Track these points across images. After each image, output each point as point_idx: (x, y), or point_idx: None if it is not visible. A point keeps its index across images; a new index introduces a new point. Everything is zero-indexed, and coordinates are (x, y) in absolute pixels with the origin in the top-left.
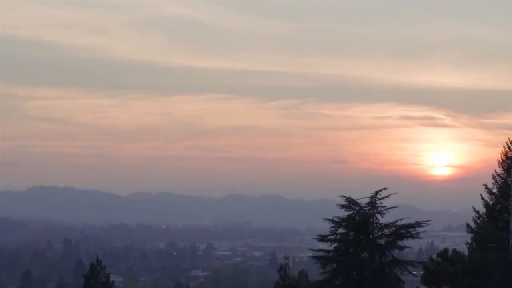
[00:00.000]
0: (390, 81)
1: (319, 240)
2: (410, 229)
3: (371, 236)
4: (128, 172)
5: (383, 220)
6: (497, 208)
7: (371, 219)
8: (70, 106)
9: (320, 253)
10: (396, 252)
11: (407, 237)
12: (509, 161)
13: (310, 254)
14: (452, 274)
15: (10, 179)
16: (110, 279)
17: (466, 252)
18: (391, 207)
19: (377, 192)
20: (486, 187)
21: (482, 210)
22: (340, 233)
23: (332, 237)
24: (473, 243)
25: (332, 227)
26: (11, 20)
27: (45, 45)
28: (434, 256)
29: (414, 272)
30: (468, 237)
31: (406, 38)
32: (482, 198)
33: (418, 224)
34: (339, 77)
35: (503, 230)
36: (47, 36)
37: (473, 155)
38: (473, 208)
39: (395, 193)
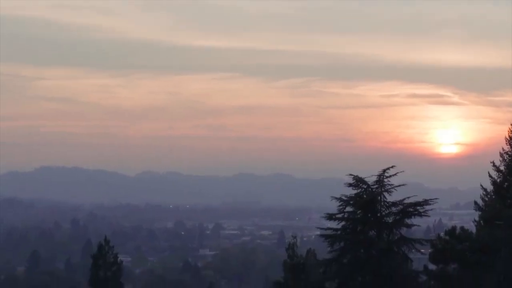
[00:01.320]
0: (397, 59)
1: (327, 219)
2: (418, 207)
3: (378, 214)
4: (136, 152)
5: (390, 198)
6: (505, 185)
7: (379, 197)
8: (76, 86)
9: (328, 232)
10: (404, 230)
11: (414, 215)
12: None
13: (318, 232)
14: (460, 252)
15: (17, 160)
16: (118, 258)
17: (474, 230)
18: (399, 185)
19: (384, 170)
20: (494, 165)
21: (489, 187)
22: (348, 212)
23: (340, 215)
24: (481, 221)
25: (340, 206)
26: (18, 0)
27: (51, 25)
28: (442, 234)
29: (422, 250)
30: (476, 215)
31: (413, 16)
32: (490, 176)
33: (425, 202)
34: (346, 55)
35: (510, 208)
36: (53, 16)
37: (480, 132)
38: (481, 185)
39: (403, 171)
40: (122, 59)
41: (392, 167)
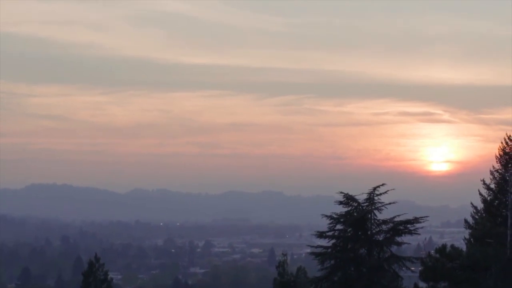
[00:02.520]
0: (388, 77)
1: (318, 237)
2: (408, 225)
3: (369, 232)
4: (127, 169)
5: (381, 216)
6: (495, 203)
7: (369, 215)
8: (68, 103)
9: (319, 250)
10: (394, 248)
11: (405, 233)
12: (507, 157)
13: (309, 250)
14: (450, 270)
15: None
16: (109, 276)
17: (464, 247)
18: (389, 203)
19: (375, 188)
20: (484, 183)
21: (480, 205)
22: (338, 229)
23: (330, 233)
24: (471, 239)
25: (330, 223)
26: (9, 17)
27: (43, 42)
28: (432, 252)
29: (413, 268)
30: (466, 233)
31: (404, 32)
32: (480, 194)
33: (416, 220)
34: (337, 72)
35: (501, 226)
36: (45, 33)
37: (471, 150)
38: (471, 203)
39: (393, 189)
40: (114, 76)
41: (382, 185)
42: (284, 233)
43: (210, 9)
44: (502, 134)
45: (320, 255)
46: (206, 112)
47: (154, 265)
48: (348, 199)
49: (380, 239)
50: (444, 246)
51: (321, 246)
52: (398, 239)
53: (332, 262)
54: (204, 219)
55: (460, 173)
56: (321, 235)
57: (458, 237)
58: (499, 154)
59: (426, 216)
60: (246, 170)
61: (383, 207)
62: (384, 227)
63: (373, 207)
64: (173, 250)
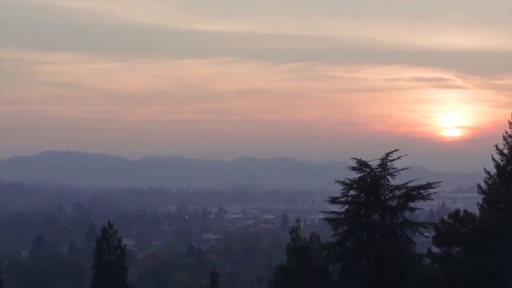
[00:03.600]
0: (401, 43)
1: (331, 202)
2: (421, 191)
3: (382, 198)
4: (139, 136)
5: (394, 181)
6: (508, 169)
7: (382, 181)
8: (79, 71)
9: (332, 215)
10: (407, 214)
11: (418, 198)
12: None
13: (322, 216)
14: (463, 235)
15: (21, 144)
16: (122, 242)
17: (477, 213)
18: (402, 169)
19: (388, 154)
20: (497, 148)
21: (493, 171)
22: (351, 195)
23: (343, 199)
24: (484, 204)
25: (343, 189)
26: None
27: (54, 10)
28: (445, 217)
29: (426, 234)
30: (479, 198)
31: None
32: (493, 159)
33: (429, 185)
34: (349, 39)
35: None
36: (56, 1)
37: (483, 116)
38: (484, 169)
39: (406, 155)
40: (125, 43)
41: (395, 150)
42: (297, 199)
43: None
44: None
45: (333, 221)
46: (217, 79)
47: (167, 231)
48: (361, 164)
49: (393, 204)
50: (457, 211)
51: (334, 212)
52: (411, 204)
53: (345, 228)
54: (217, 186)
55: (473, 139)
56: (334, 201)
57: (471, 203)
58: None
59: (439, 182)
60: (258, 136)
61: (396, 173)
62: (397, 192)
63: (386, 173)
64: (186, 217)
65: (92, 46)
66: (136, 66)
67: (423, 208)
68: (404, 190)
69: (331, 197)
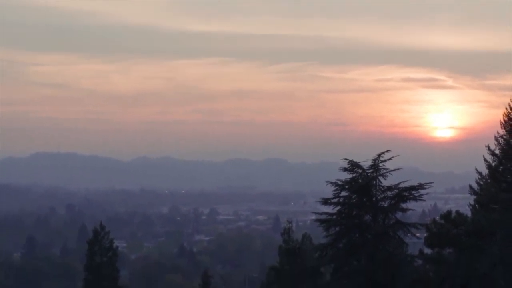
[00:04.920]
0: (391, 43)
1: (322, 203)
2: (413, 191)
3: (374, 199)
4: (131, 137)
5: (386, 182)
6: (500, 169)
7: (374, 182)
8: (71, 71)
9: (323, 216)
10: (399, 215)
11: (410, 199)
12: None
13: (313, 217)
14: (455, 236)
15: (12, 145)
16: (114, 244)
17: (469, 213)
18: (394, 170)
19: (379, 155)
20: (489, 149)
21: (485, 171)
22: (343, 196)
23: (335, 200)
24: (476, 205)
25: (335, 190)
26: None
27: (45, 10)
28: (437, 218)
29: (418, 234)
30: (471, 199)
31: None
32: (485, 160)
33: (421, 186)
34: (340, 40)
35: (506, 192)
36: (48, 2)
37: (475, 116)
38: (476, 169)
39: (398, 155)
40: (117, 44)
41: (387, 151)
42: (288, 200)
43: None
44: (506, 100)
45: (325, 222)
46: (209, 80)
47: (159, 233)
48: (353, 165)
49: (385, 205)
50: (449, 212)
51: (326, 213)
52: (403, 205)
53: (337, 229)
54: (209, 187)
55: (464, 139)
56: (326, 202)
57: (462, 203)
58: (504, 120)
59: (431, 182)
60: (250, 137)
61: (387, 174)
62: (389, 193)
63: (377, 174)
64: (178, 218)
65: (84, 47)
66: (128, 67)
67: (415, 209)
68: (396, 191)
69: (323, 198)
